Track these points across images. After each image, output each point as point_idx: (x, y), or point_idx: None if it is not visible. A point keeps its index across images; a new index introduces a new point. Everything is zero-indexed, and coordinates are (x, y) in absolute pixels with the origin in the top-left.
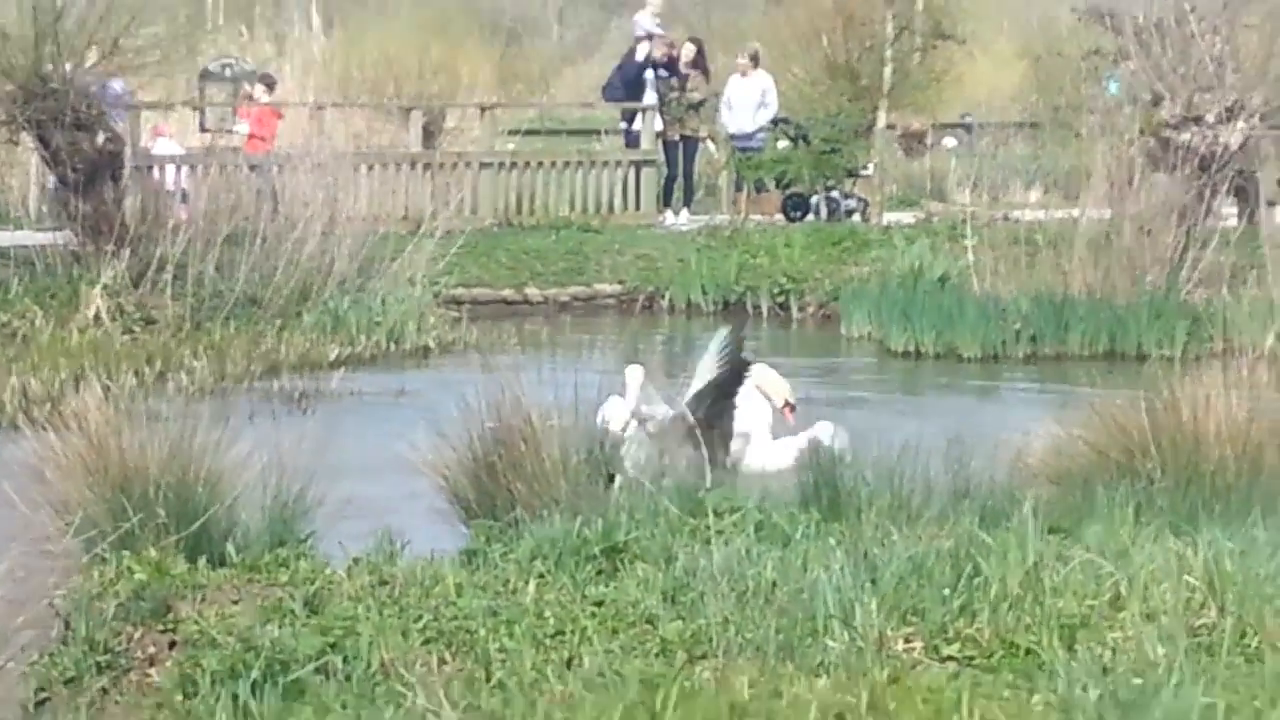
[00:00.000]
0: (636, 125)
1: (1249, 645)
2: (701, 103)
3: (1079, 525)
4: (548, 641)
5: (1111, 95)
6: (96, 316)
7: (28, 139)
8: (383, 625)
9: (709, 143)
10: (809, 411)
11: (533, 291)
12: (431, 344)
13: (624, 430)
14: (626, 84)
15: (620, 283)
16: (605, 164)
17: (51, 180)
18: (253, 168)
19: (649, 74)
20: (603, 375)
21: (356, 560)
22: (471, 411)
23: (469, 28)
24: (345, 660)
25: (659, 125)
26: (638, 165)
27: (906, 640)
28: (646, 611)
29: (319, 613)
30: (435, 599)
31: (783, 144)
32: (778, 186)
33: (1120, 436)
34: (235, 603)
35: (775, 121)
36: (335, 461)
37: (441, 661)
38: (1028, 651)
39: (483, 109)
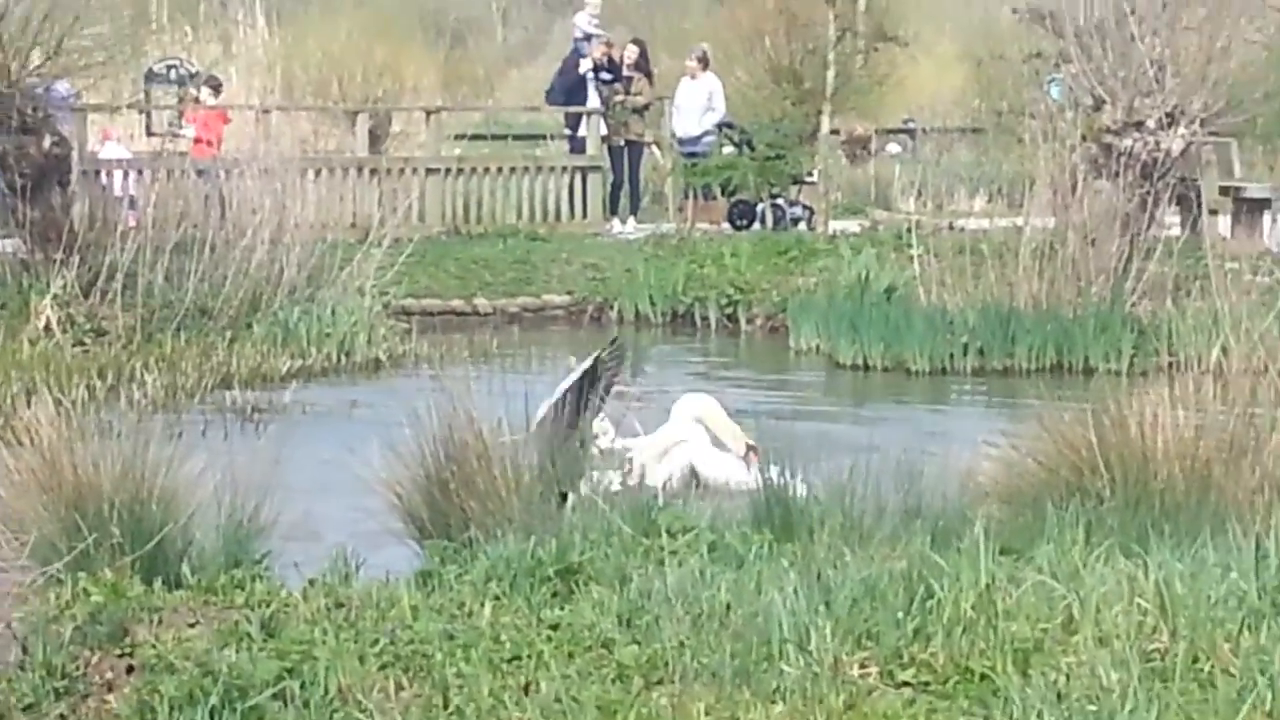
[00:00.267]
0: (581, 131)
1: (1201, 670)
2: (646, 107)
3: (1030, 546)
4: (504, 666)
5: (1053, 99)
6: (47, 327)
7: None
8: (339, 650)
9: (654, 148)
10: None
11: (482, 302)
12: (382, 356)
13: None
14: (567, 90)
15: (569, 293)
16: (551, 170)
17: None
18: (200, 173)
19: (589, 77)
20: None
21: (312, 582)
22: (423, 427)
23: (413, 28)
24: (302, 686)
25: (604, 130)
26: (584, 171)
27: (862, 665)
28: (602, 635)
29: (275, 636)
30: (391, 622)
31: (728, 150)
32: (723, 194)
33: (1069, 454)
34: (192, 625)
35: (720, 126)
36: (288, 478)
37: (399, 687)
38: (982, 677)
39: (428, 112)
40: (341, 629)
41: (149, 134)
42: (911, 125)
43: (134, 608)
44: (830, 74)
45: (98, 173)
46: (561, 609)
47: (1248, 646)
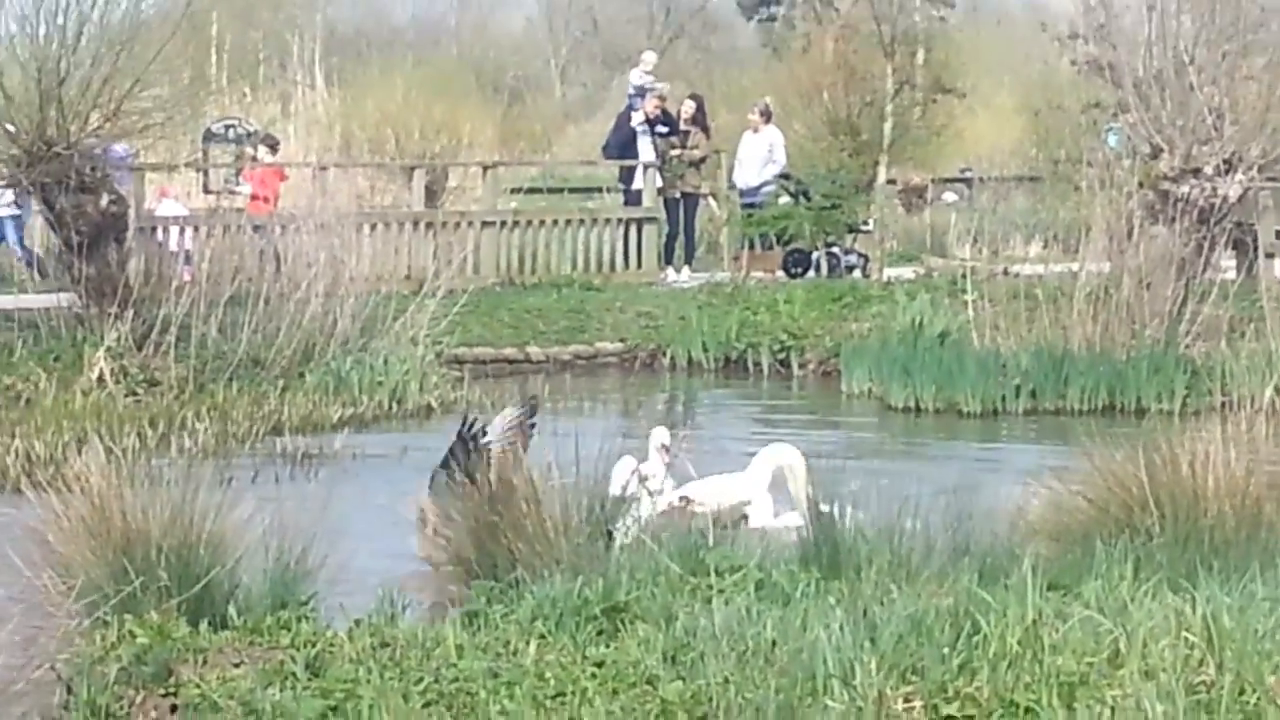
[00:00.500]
0: (636, 184)
1: (1248, 703)
2: (703, 160)
3: (1078, 582)
4: (548, 703)
5: (1111, 148)
6: (100, 378)
7: (32, 202)
8: (384, 688)
9: (710, 200)
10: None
11: (535, 350)
12: (434, 403)
13: (625, 491)
14: (621, 144)
15: (622, 341)
16: (607, 222)
17: (56, 242)
18: (256, 228)
19: (644, 130)
20: (604, 434)
21: (358, 622)
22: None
23: (471, 86)
24: None
25: (659, 182)
26: (639, 223)
27: (906, 700)
28: (647, 672)
29: (320, 675)
30: (436, 661)
31: (784, 200)
32: (779, 243)
33: (1119, 492)
34: (237, 665)
35: (778, 177)
36: (338, 522)
37: None
38: (1027, 710)
39: (485, 168)
40: (386, 668)
41: (206, 191)
42: (968, 174)
43: (179, 649)
44: (888, 126)
45: (154, 229)
46: (607, 647)
47: None
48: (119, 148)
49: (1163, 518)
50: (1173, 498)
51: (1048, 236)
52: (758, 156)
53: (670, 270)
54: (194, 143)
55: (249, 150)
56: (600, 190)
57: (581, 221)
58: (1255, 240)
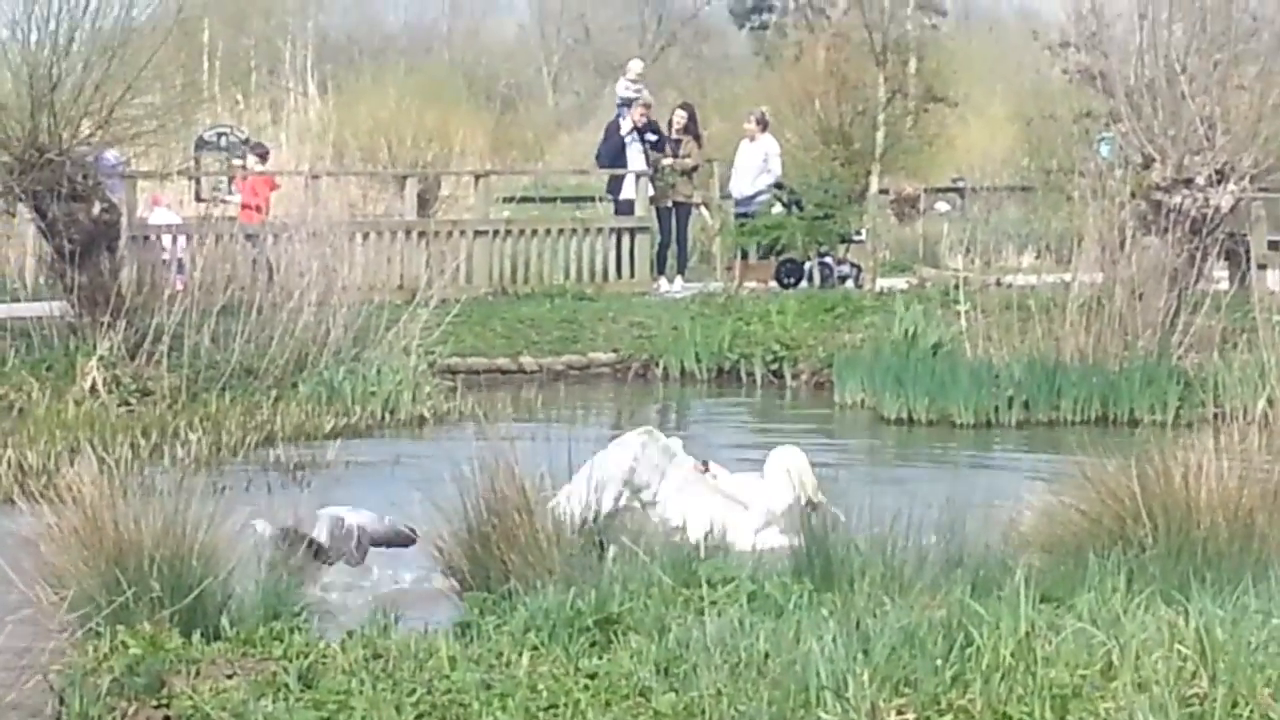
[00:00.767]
0: (626, 194)
1: (1240, 715)
2: (695, 169)
3: (1071, 594)
4: (541, 715)
5: (1103, 158)
6: (93, 388)
7: (24, 210)
8: (376, 700)
9: (703, 209)
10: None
11: (528, 360)
12: (427, 414)
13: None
14: (611, 154)
15: (615, 351)
16: (599, 231)
17: (48, 251)
18: (248, 237)
19: (633, 139)
20: (597, 443)
21: (350, 634)
22: (466, 482)
23: (463, 94)
24: None
25: (651, 191)
26: (631, 232)
27: (899, 712)
28: (640, 684)
29: (313, 687)
30: (429, 672)
31: (776, 209)
32: (771, 253)
33: (1112, 503)
34: (229, 677)
35: (771, 186)
36: None
37: None
38: None
39: (477, 176)
40: (379, 679)
41: (198, 200)
42: (961, 184)
43: (171, 660)
44: (880, 135)
45: (146, 238)
46: (600, 658)
47: None
48: (111, 155)
49: (1155, 529)
50: (1165, 509)
51: (1040, 247)
52: (752, 165)
53: (663, 280)
54: (186, 150)
55: (236, 161)
56: (593, 199)
57: (574, 231)
58: (1248, 251)
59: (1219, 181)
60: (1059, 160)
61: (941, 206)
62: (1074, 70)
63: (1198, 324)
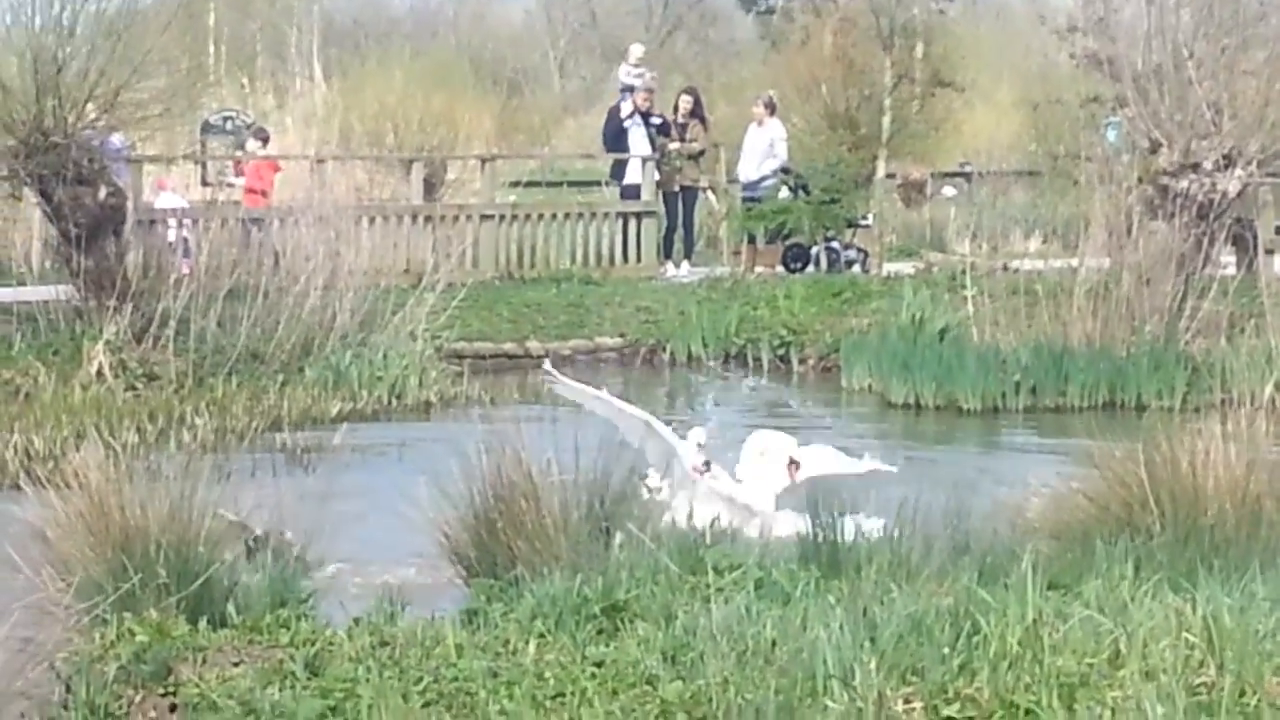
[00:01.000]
0: (629, 179)
1: (1248, 704)
2: (701, 153)
3: (1078, 581)
4: (548, 703)
5: (1110, 143)
6: (99, 372)
7: (30, 194)
8: (383, 688)
9: (709, 193)
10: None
11: (534, 345)
12: (433, 398)
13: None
14: (612, 137)
15: (621, 335)
16: (605, 216)
17: (54, 235)
18: (254, 221)
19: (635, 123)
20: (603, 428)
21: (357, 621)
22: (472, 467)
23: (469, 78)
24: None
25: (657, 176)
26: (638, 217)
27: (906, 700)
28: (646, 672)
29: (319, 675)
30: (435, 660)
31: (783, 194)
32: (778, 238)
33: (1119, 490)
34: (236, 664)
35: (778, 171)
36: (336, 519)
37: None
38: (1027, 711)
39: (483, 160)
40: (385, 667)
41: (204, 184)
42: (967, 169)
43: (178, 647)
44: (886, 119)
45: (153, 222)
46: (606, 646)
47: None
48: (116, 139)
49: (1163, 516)
50: (1173, 495)
51: (1047, 232)
52: (759, 149)
53: (669, 265)
54: (192, 134)
55: (236, 147)
56: (599, 184)
57: (580, 215)
58: (1255, 236)
59: (1226, 166)
60: (1066, 145)
61: (948, 191)
62: (1081, 55)
63: (1205, 309)
